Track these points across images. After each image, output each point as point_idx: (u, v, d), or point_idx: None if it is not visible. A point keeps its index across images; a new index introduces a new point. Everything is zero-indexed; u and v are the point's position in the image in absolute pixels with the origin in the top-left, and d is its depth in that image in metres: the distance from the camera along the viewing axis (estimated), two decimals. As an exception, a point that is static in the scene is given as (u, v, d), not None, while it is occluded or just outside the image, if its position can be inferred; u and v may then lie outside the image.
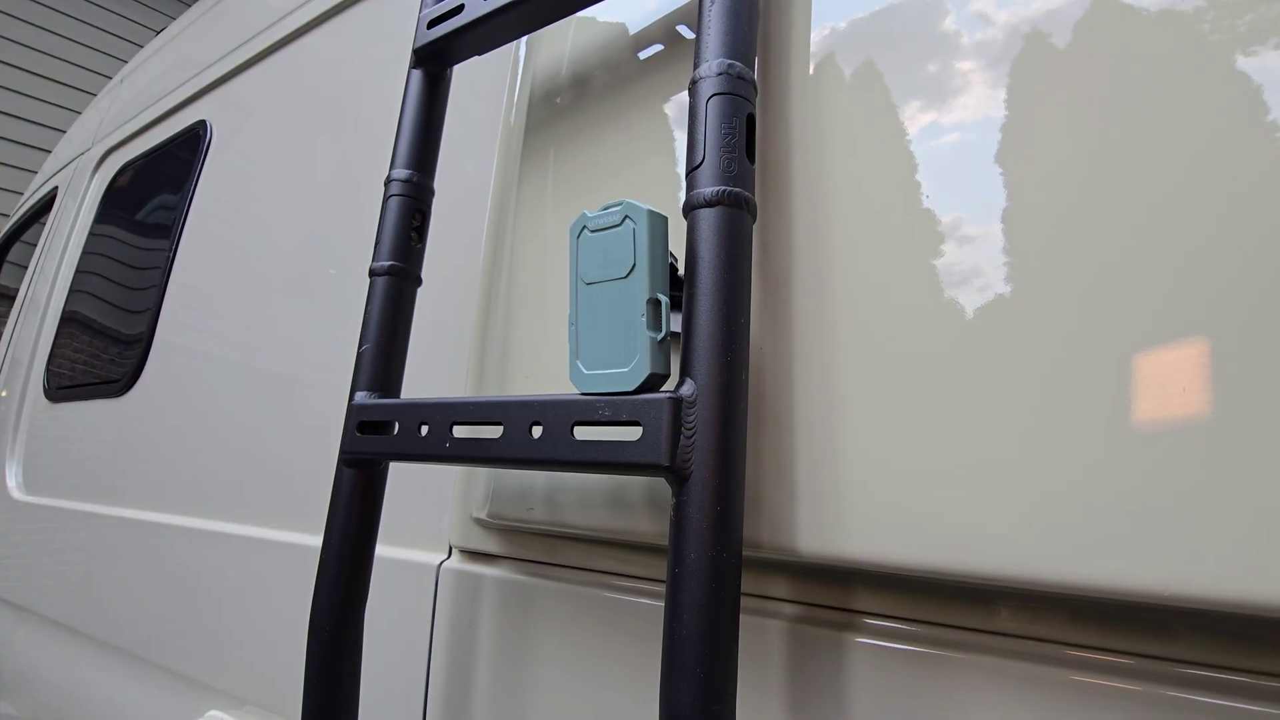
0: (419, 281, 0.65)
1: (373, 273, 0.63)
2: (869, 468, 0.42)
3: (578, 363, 0.45)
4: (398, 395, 0.62)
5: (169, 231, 1.34)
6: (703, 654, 0.38)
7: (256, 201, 1.18)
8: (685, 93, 0.59)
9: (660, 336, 0.41)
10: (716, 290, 0.42)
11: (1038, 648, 0.40)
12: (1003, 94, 0.42)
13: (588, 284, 0.45)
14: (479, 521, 0.67)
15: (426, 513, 0.73)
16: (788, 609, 0.48)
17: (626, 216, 0.43)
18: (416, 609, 0.70)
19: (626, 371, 0.42)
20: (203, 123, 1.36)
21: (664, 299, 0.42)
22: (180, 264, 1.29)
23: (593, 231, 0.45)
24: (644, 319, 0.42)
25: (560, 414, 0.44)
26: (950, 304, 0.41)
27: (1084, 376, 0.36)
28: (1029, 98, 0.41)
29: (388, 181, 0.65)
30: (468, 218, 0.80)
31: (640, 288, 0.42)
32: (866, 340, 0.43)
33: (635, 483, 0.52)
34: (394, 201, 0.64)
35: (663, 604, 0.53)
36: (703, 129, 0.45)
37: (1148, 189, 0.36)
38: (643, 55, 0.64)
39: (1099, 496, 0.35)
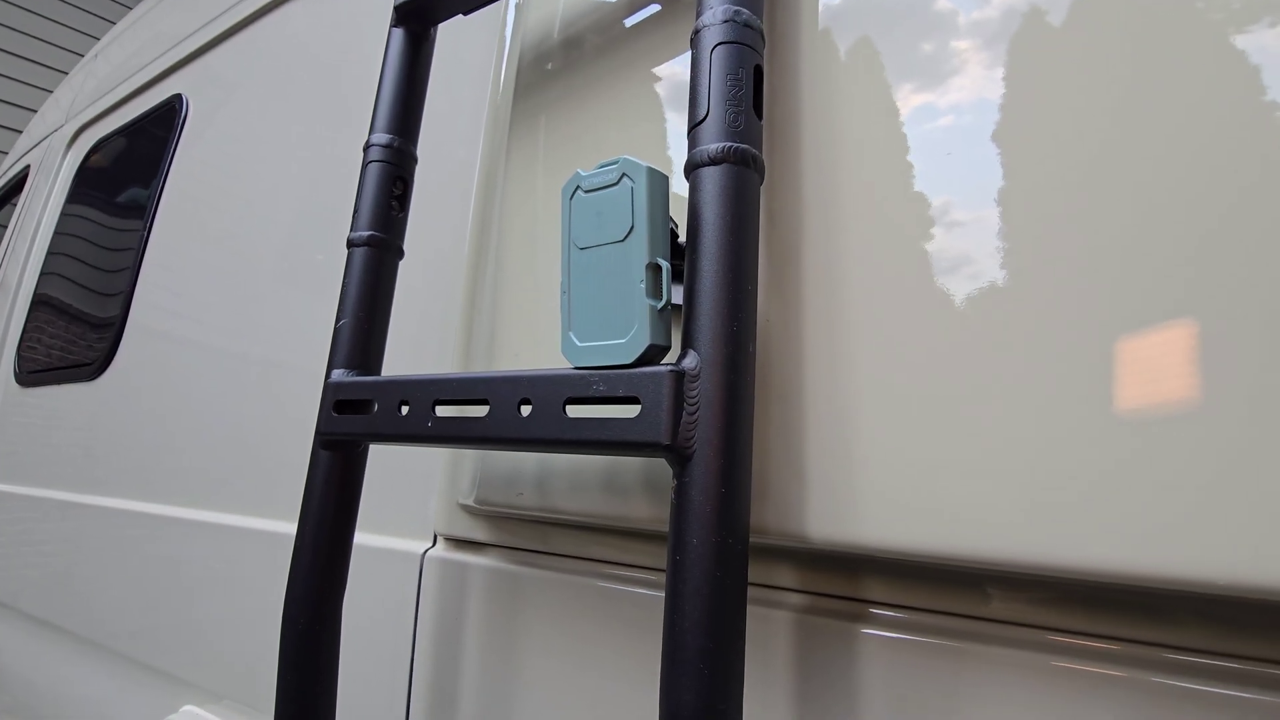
0: (400, 253, 0.61)
1: (351, 243, 0.59)
2: (881, 448, 0.39)
3: (570, 334, 0.41)
4: (378, 373, 0.58)
5: (144, 210, 1.29)
6: (706, 647, 0.34)
7: (234, 179, 1.13)
8: (686, 54, 0.56)
9: (661, 305, 0.38)
10: (722, 254, 0.38)
11: (1047, 637, 0.37)
12: (1035, 57, 0.39)
13: (581, 249, 0.41)
14: (466, 508, 0.64)
15: (410, 498, 0.70)
16: (792, 598, 0.45)
17: (624, 174, 0.40)
18: (399, 599, 0.67)
19: (624, 343, 0.39)
20: (178, 97, 1.31)
21: (664, 264, 0.39)
22: (155, 244, 1.24)
23: (586, 192, 0.41)
24: (643, 285, 0.38)
25: (551, 390, 0.41)
26: (969, 274, 0.38)
27: (1100, 358, 0.33)
28: (1061, 63, 0.38)
29: (367, 147, 0.61)
30: (452, 187, 0.76)
31: (639, 251, 0.39)
32: (879, 313, 0.40)
33: (632, 465, 0.49)
34: (374, 168, 0.60)
35: (663, 594, 0.50)
36: (706, 81, 0.41)
37: (1164, 177, 0.33)
38: (639, 16, 0.61)
39: (1109, 481, 0.32)
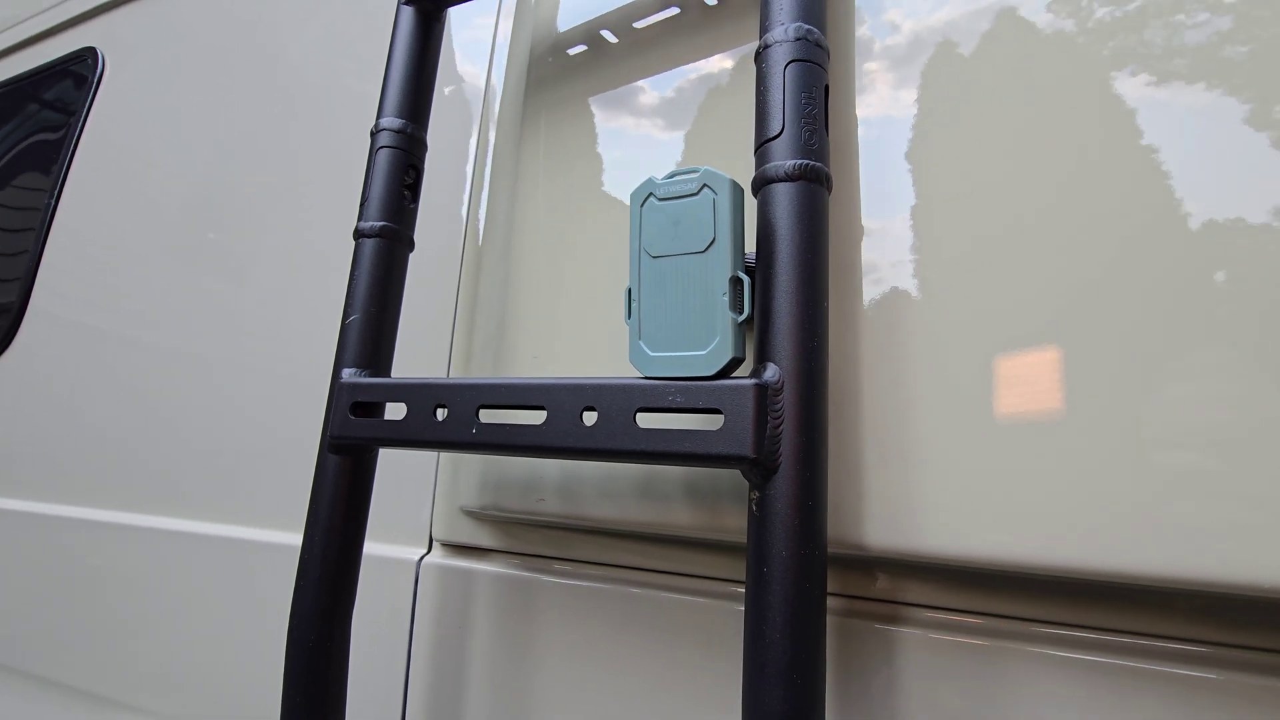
0: (411, 245, 0.58)
1: (361, 234, 0.55)
2: (940, 461, 0.41)
3: (640, 343, 0.41)
4: (388, 373, 0.55)
5: (47, 178, 1.15)
6: (794, 657, 0.35)
7: (153, 147, 1.02)
8: (712, 56, 0.56)
9: (743, 318, 0.38)
10: (800, 269, 0.39)
11: (1091, 637, 0.40)
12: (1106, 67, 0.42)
13: (654, 257, 0.41)
14: (470, 513, 0.61)
15: (402, 504, 0.66)
16: (833, 603, 0.47)
17: (705, 185, 0.39)
18: (392, 609, 0.63)
19: (704, 355, 0.39)
20: (92, 51, 1.17)
21: (745, 278, 0.39)
22: (62, 217, 1.10)
23: (660, 200, 0.41)
24: (726, 298, 0.38)
25: (620, 399, 0.40)
26: (1018, 286, 0.40)
27: (1180, 369, 0.36)
28: (1132, 77, 0.41)
29: (376, 131, 0.57)
30: (441, 178, 0.72)
31: (721, 264, 0.39)
32: (936, 326, 0.42)
33: (671, 473, 0.49)
34: (385, 155, 0.57)
35: (689, 598, 0.50)
36: (780, 98, 0.42)
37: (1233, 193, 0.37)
38: (653, 19, 0.60)
39: (1190, 492, 0.35)
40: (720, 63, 0.56)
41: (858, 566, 0.46)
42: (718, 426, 0.38)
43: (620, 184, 0.58)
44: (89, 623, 0.86)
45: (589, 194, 0.59)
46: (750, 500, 0.38)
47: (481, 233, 0.66)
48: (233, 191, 0.92)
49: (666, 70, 0.58)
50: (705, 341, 0.39)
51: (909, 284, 0.44)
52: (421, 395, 0.47)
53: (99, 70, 1.15)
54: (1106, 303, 0.38)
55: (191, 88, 1.02)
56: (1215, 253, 0.36)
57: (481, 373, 0.62)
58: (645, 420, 0.41)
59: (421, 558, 0.64)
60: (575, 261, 0.57)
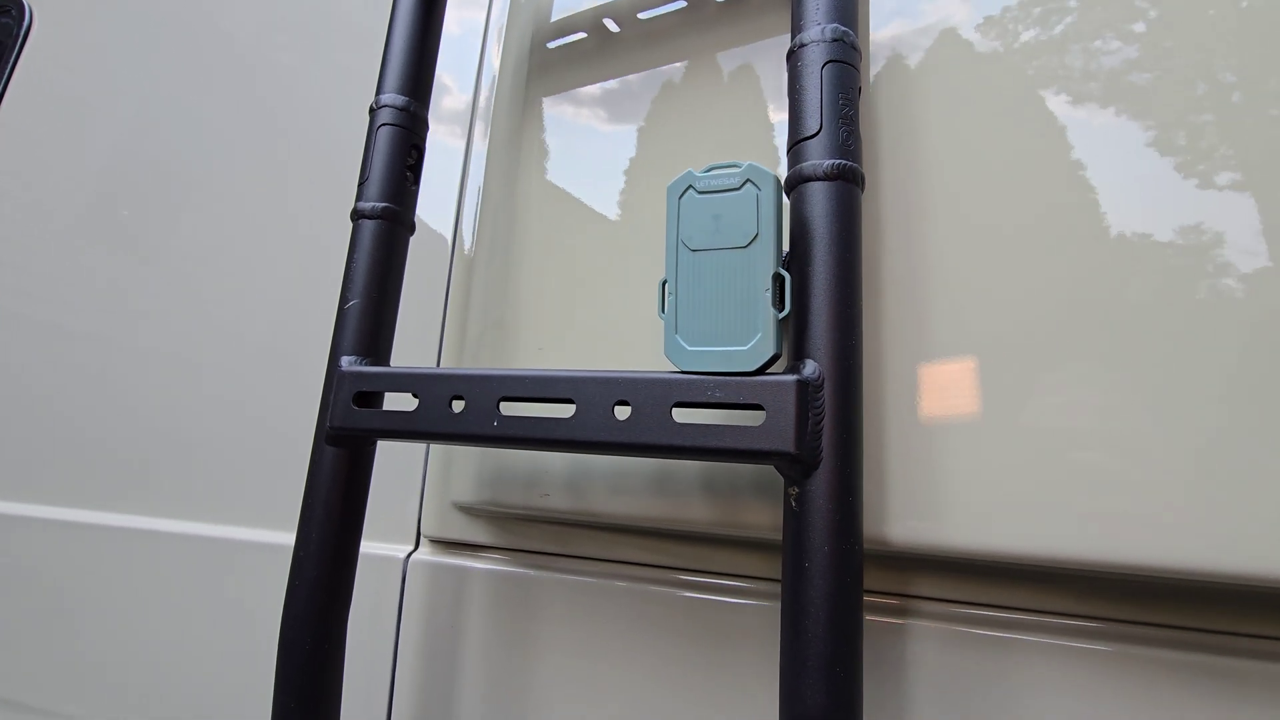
0: (412, 229, 0.55)
1: (361, 214, 0.52)
2: (965, 457, 0.42)
3: (677, 337, 0.40)
4: (388, 362, 0.53)
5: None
6: (834, 653, 0.36)
7: (87, 111, 0.95)
8: (720, 51, 0.56)
9: (784, 315, 0.38)
10: (836, 268, 0.40)
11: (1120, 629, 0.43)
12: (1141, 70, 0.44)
13: (693, 250, 0.40)
14: (463, 508, 0.59)
15: (388, 498, 0.64)
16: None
17: (749, 180, 0.39)
18: (375, 608, 0.61)
19: (745, 350, 0.38)
20: (18, 2, 1.07)
21: (786, 275, 0.39)
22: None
23: (700, 193, 0.40)
24: (768, 294, 0.38)
25: (655, 393, 0.40)
26: (1031, 281, 0.42)
27: (1199, 373, 0.38)
28: (1174, 79, 0.43)
29: (377, 108, 0.54)
30: (438, 158, 0.70)
31: (764, 260, 0.39)
32: (961, 325, 0.44)
33: (687, 469, 0.49)
34: (386, 132, 0.54)
35: (698, 596, 0.50)
36: (816, 97, 0.42)
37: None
38: (656, 11, 0.60)
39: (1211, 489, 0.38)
40: (728, 58, 0.56)
41: (881, 562, 0.47)
42: (758, 422, 0.38)
43: (630, 174, 0.57)
44: (32, 631, 0.78)
45: (596, 184, 0.58)
46: (789, 496, 0.38)
47: (477, 220, 0.64)
48: (179, 163, 0.86)
49: (678, 61, 0.58)
50: (746, 337, 0.39)
51: (935, 281, 0.45)
52: (436, 386, 0.45)
53: (27, 22, 1.05)
54: (1129, 303, 0.40)
55: (130, 47, 0.95)
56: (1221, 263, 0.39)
57: (476, 365, 0.59)
58: (681, 415, 0.40)
59: (409, 554, 0.61)
60: (583, 252, 0.56)
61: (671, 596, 0.51)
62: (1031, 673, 0.42)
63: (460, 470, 0.58)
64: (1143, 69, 0.43)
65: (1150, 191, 0.41)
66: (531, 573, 0.56)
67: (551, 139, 0.62)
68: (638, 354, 0.52)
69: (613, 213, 0.57)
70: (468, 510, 0.59)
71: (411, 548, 0.62)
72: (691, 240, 0.40)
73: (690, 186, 0.41)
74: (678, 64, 0.58)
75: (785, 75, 0.52)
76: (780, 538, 0.46)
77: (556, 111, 0.62)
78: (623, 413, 0.41)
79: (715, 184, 0.40)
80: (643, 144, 0.58)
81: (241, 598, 0.67)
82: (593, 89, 0.61)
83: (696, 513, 0.48)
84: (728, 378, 0.39)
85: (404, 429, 0.46)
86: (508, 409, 0.44)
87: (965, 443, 0.42)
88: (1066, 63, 0.45)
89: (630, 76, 0.60)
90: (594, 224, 0.57)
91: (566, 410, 0.42)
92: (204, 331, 0.79)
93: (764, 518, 0.46)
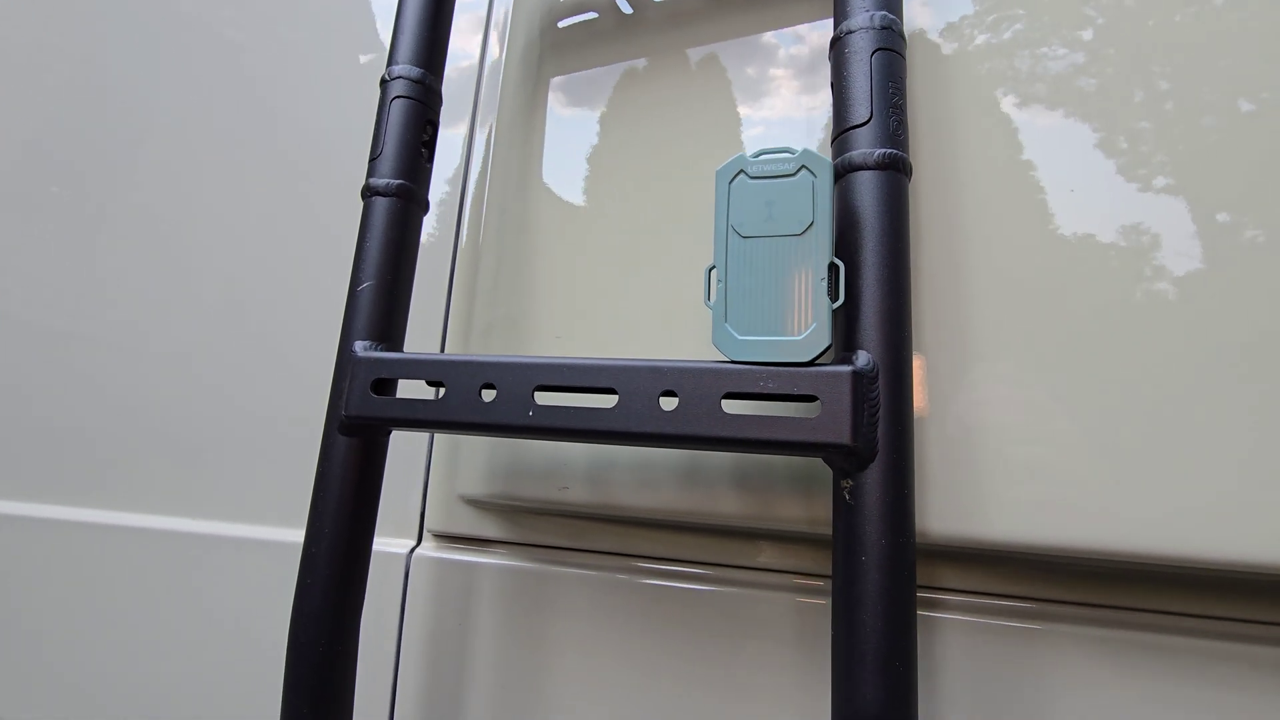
0: (426, 208, 0.52)
1: (374, 191, 0.50)
2: (1004, 449, 0.42)
3: (726, 326, 0.39)
4: (401, 348, 0.50)
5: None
6: (890, 650, 0.35)
7: (27, 62, 0.88)
8: (741, 37, 0.55)
9: (838, 305, 0.38)
10: (887, 258, 0.39)
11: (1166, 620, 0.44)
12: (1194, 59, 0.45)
13: (744, 237, 0.39)
14: (472, 502, 0.57)
15: (386, 491, 0.61)
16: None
17: (804, 167, 0.38)
18: (377, 609, 0.58)
19: (799, 340, 0.38)
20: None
21: (840, 264, 0.38)
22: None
23: (752, 178, 0.39)
24: (824, 283, 0.38)
25: (705, 384, 0.39)
26: (1074, 272, 0.43)
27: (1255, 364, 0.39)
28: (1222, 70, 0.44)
29: (390, 79, 0.52)
30: (443, 134, 0.66)
31: (821, 248, 0.38)
32: (1003, 314, 0.44)
33: (716, 460, 0.48)
34: (400, 105, 0.51)
35: (720, 589, 0.49)
36: (866, 85, 0.41)
37: None
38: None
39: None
40: (747, 44, 0.55)
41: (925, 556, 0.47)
42: (813, 414, 0.37)
43: (654, 157, 0.56)
44: (14, 639, 0.72)
45: (620, 167, 0.56)
46: (842, 489, 0.38)
47: (486, 202, 0.62)
48: (159, 131, 0.80)
49: (697, 45, 0.57)
50: (800, 327, 0.38)
51: (976, 273, 0.45)
52: (465, 373, 0.43)
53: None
54: (1175, 298, 0.41)
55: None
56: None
57: (487, 351, 0.57)
58: (730, 407, 0.39)
59: (411, 550, 0.59)
60: (605, 237, 0.55)
61: (697, 592, 0.50)
62: (1063, 664, 0.42)
63: (468, 462, 0.56)
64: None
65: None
66: (546, 568, 0.54)
67: (564, 119, 0.59)
68: (661, 342, 0.51)
69: (630, 198, 0.55)
70: (476, 504, 0.57)
71: (414, 543, 0.59)
72: (743, 227, 0.39)
73: (741, 171, 0.40)
74: (697, 49, 0.57)
75: (786, 60, 0.51)
76: (817, 531, 0.45)
77: (568, 92, 0.60)
78: (669, 403, 0.39)
79: (768, 169, 0.39)
80: (661, 128, 0.56)
81: (229, 597, 0.63)
82: (609, 70, 0.59)
83: (728, 506, 0.47)
84: (780, 368, 0.38)
85: (429, 419, 0.43)
86: (542, 399, 0.42)
87: (1000, 435, 0.42)
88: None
89: (649, 59, 0.59)
90: (611, 209, 0.55)
91: (608, 401, 0.40)
92: (192, 315, 0.74)
93: (798, 510, 0.46)
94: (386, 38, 0.75)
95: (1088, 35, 0.46)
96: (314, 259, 0.70)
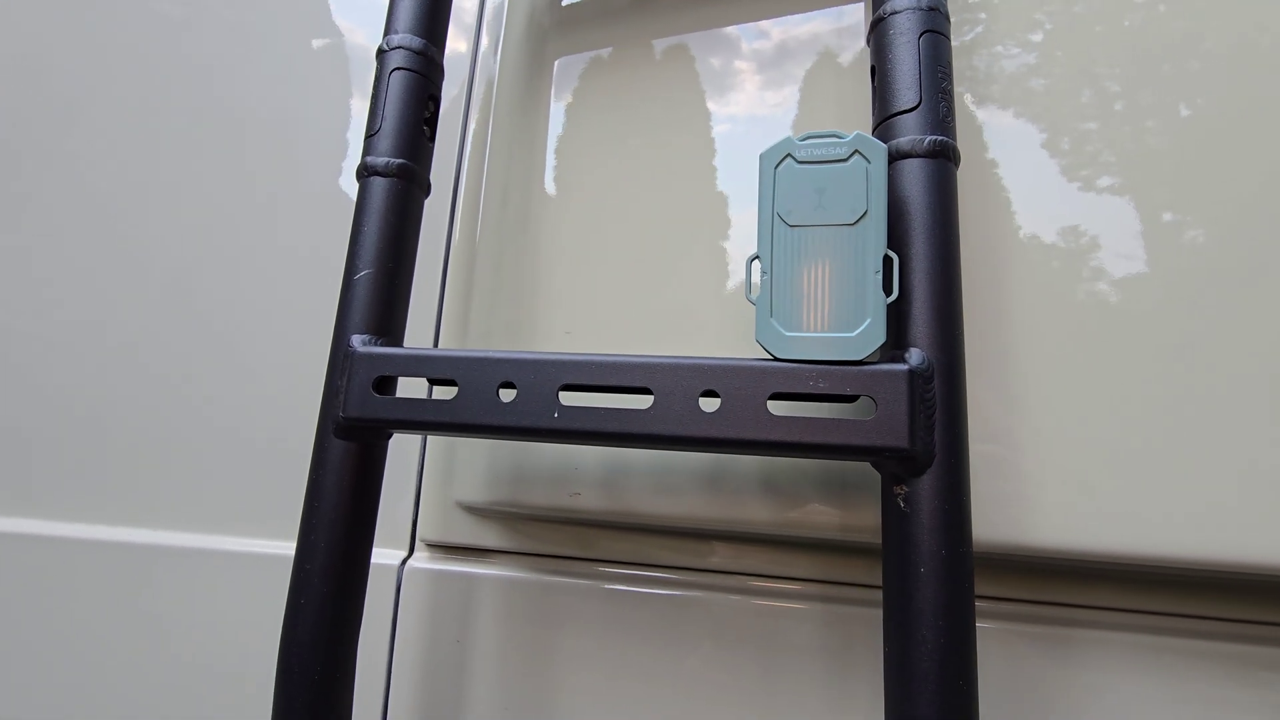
0: (428, 190, 0.48)
1: (372, 170, 0.45)
2: (1053, 454, 0.41)
3: (773, 321, 0.36)
4: (401, 343, 0.46)
5: None
6: (950, 662, 0.33)
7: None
8: (756, 20, 0.53)
9: (892, 299, 0.35)
10: (939, 250, 0.37)
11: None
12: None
13: (791, 226, 0.37)
14: (470, 509, 0.53)
15: (374, 498, 0.56)
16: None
17: (857, 151, 0.36)
18: (367, 624, 0.53)
19: (852, 338, 0.35)
20: None
21: (895, 256, 0.36)
22: None
23: (800, 163, 0.37)
24: (878, 276, 0.35)
25: (749, 383, 0.36)
26: (1115, 270, 0.41)
27: None
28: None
29: (389, 50, 0.47)
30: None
31: (875, 239, 0.35)
32: (1040, 315, 0.42)
33: (744, 465, 0.45)
34: (400, 78, 0.47)
35: (751, 599, 0.46)
36: (915, 69, 0.39)
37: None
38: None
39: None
40: (762, 27, 0.53)
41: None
42: (866, 415, 0.35)
43: (670, 142, 0.53)
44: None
45: (631, 153, 0.53)
46: (896, 495, 0.35)
47: (483, 189, 0.58)
48: (130, 114, 0.73)
49: (709, 27, 0.54)
50: (854, 323, 0.35)
51: (1015, 270, 0.43)
52: (482, 371, 0.39)
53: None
54: (1221, 298, 0.40)
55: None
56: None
57: (484, 347, 0.53)
58: (775, 408, 0.37)
59: (404, 561, 0.54)
60: (618, 227, 0.51)
61: (717, 602, 0.48)
62: (1100, 669, 0.41)
63: (466, 465, 0.52)
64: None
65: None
66: (553, 579, 0.51)
67: (569, 101, 0.56)
68: (682, 339, 0.48)
69: (643, 184, 0.52)
70: (475, 511, 0.53)
71: (405, 554, 0.55)
72: (790, 215, 0.37)
73: (789, 155, 0.37)
74: (708, 30, 0.54)
75: (809, 40, 0.49)
76: (852, 539, 0.43)
77: (574, 72, 0.57)
78: (709, 404, 0.36)
79: (818, 154, 0.36)
80: (675, 113, 0.53)
81: (208, 618, 0.58)
82: (616, 51, 0.56)
83: (757, 512, 0.45)
84: (832, 367, 0.35)
85: (439, 420, 0.39)
86: (567, 398, 0.39)
87: (1055, 439, 0.41)
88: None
89: (661, 39, 0.56)
90: (622, 196, 0.52)
91: (643, 401, 0.37)
92: (164, 310, 0.67)
93: (833, 517, 0.43)
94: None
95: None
96: (296, 243, 0.65)
